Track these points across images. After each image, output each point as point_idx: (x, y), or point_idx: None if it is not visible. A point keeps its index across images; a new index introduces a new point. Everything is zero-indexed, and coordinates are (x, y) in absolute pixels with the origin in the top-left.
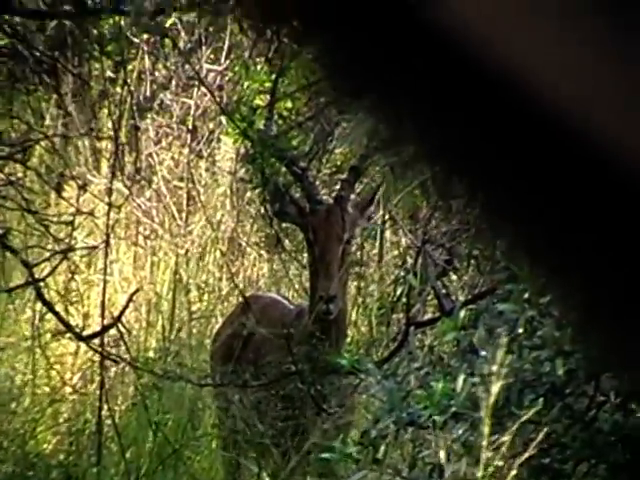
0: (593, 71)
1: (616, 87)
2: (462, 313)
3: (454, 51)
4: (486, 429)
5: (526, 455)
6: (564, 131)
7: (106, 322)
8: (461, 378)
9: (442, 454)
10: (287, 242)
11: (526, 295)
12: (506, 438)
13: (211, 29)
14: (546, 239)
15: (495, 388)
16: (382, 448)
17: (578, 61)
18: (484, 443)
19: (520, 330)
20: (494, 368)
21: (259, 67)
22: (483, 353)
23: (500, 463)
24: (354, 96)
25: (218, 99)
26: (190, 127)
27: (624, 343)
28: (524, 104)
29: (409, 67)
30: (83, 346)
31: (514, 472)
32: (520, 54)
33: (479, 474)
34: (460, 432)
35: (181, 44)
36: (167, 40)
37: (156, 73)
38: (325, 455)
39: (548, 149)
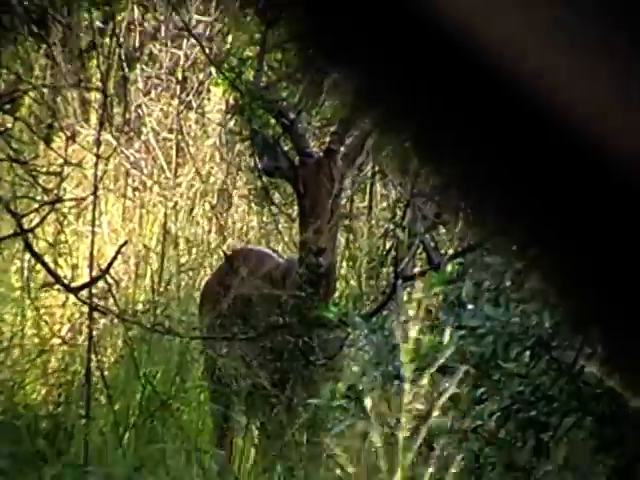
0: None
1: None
2: (450, 266)
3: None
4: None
5: (509, 405)
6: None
7: (95, 274)
8: (448, 331)
9: (429, 407)
10: (277, 195)
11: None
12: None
13: None
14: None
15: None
16: (369, 400)
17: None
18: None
19: (507, 283)
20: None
21: (249, 18)
22: (470, 306)
23: (485, 416)
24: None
25: (207, 50)
26: (179, 78)
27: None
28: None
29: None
30: (72, 298)
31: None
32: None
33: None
34: (447, 385)
35: None
36: None
37: (145, 24)
38: (313, 400)
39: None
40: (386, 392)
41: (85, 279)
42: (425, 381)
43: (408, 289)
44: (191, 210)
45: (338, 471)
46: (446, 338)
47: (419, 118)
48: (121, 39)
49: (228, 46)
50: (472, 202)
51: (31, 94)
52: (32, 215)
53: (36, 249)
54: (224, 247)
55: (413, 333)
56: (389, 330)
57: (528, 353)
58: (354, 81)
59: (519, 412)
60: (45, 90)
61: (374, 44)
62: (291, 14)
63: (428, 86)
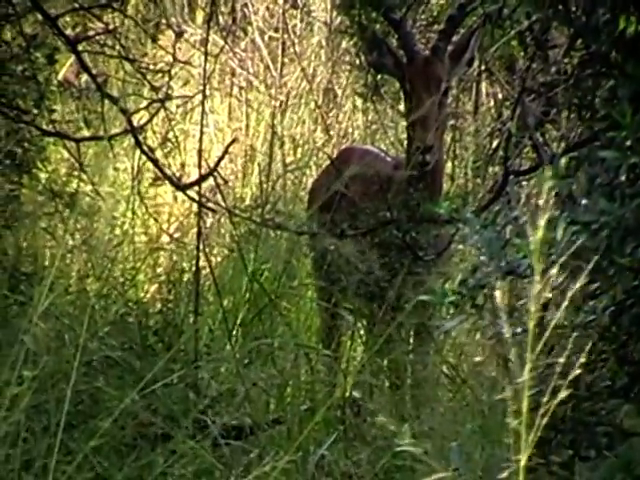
0: None
1: None
2: (562, 161)
3: None
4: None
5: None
6: None
7: (203, 172)
8: (561, 227)
9: (541, 302)
10: (383, 92)
11: (628, 142)
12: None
13: None
14: None
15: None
16: (480, 296)
17: None
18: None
19: (622, 178)
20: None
21: None
22: (584, 201)
23: (598, 309)
24: None
25: None
26: None
27: None
28: None
29: None
30: (180, 196)
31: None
32: None
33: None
34: (560, 280)
35: None
36: None
37: None
38: (424, 297)
39: None
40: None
41: (193, 177)
42: (554, 271)
43: (516, 188)
44: (297, 109)
45: (445, 369)
46: (559, 233)
47: None
48: None
49: None
50: None
51: None
52: (141, 113)
53: (145, 147)
54: (330, 146)
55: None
56: (500, 226)
57: None
58: None
59: (633, 307)
60: None
61: None
62: None
63: None
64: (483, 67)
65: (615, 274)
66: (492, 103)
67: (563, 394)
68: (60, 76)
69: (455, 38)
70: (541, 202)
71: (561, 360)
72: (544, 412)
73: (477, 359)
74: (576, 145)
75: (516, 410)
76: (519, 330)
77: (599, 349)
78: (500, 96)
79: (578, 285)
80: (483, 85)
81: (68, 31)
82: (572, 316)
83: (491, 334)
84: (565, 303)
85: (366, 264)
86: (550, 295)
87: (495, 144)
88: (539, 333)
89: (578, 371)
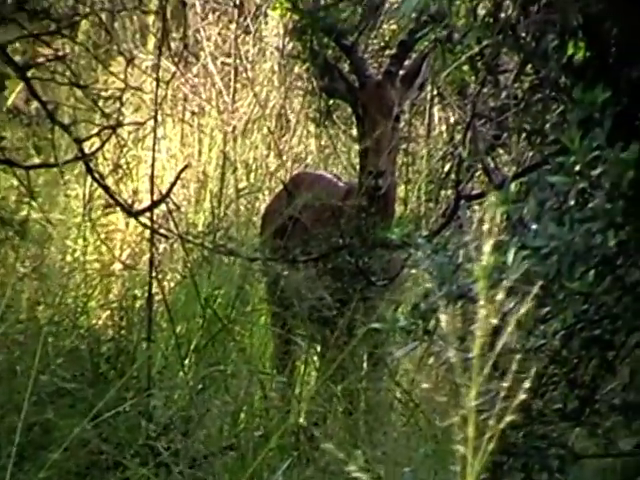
0: None
1: None
2: (512, 186)
3: None
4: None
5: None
6: None
7: (155, 198)
8: (512, 251)
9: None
10: (335, 117)
11: (577, 167)
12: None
13: None
14: None
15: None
16: (432, 321)
17: None
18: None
19: (571, 202)
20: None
21: None
22: (534, 226)
23: (549, 334)
24: None
25: None
26: (237, 2)
27: None
28: None
29: None
30: (133, 222)
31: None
32: None
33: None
34: (511, 305)
35: None
36: None
37: None
38: (376, 325)
39: None
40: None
41: (145, 204)
42: (501, 296)
43: (468, 212)
44: (249, 134)
45: (398, 394)
46: (510, 258)
47: None
48: None
49: None
50: None
51: (89, 18)
52: (92, 140)
53: (96, 174)
54: (282, 171)
55: (479, 252)
56: (452, 250)
57: (592, 272)
58: None
59: (583, 331)
60: (103, 15)
61: None
62: None
63: None
64: (435, 91)
65: (565, 298)
66: (444, 127)
67: (509, 418)
68: (9, 103)
69: (407, 63)
70: (492, 227)
71: (506, 385)
72: (490, 436)
73: (428, 385)
74: (526, 170)
75: (464, 436)
76: (470, 355)
77: (550, 373)
78: (452, 120)
79: (524, 310)
80: (435, 109)
81: (17, 58)
82: (523, 340)
83: (442, 360)
84: (510, 327)
85: (319, 290)
86: (495, 320)
87: (447, 168)
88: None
89: (523, 396)
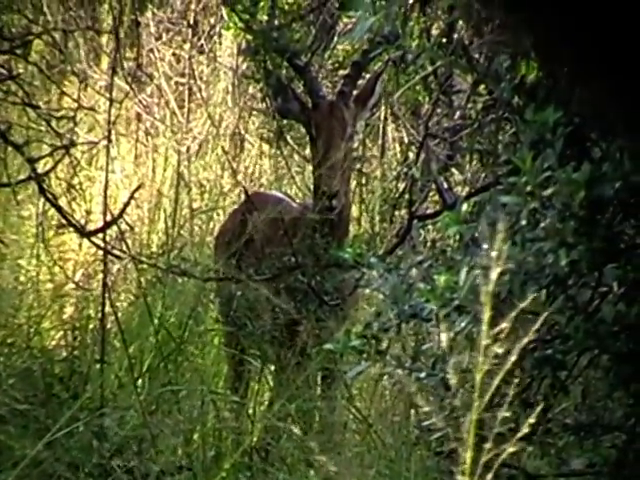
0: None
1: None
2: (464, 206)
3: None
4: (486, 319)
5: (525, 344)
6: None
7: (108, 219)
8: (464, 271)
9: (445, 346)
10: (289, 138)
11: (528, 188)
12: (506, 325)
13: None
14: None
15: (495, 278)
16: (385, 341)
17: None
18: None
19: (523, 222)
20: (495, 260)
21: None
22: (485, 246)
23: (500, 351)
24: None
25: None
26: (191, 22)
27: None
28: None
29: None
30: (86, 243)
31: (513, 359)
32: None
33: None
34: (463, 325)
35: None
36: None
37: None
38: (328, 346)
39: None
40: (401, 332)
41: (99, 224)
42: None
43: (421, 231)
44: (203, 154)
45: (351, 416)
46: (462, 278)
47: None
48: None
49: None
50: None
51: (43, 38)
52: (45, 159)
53: (49, 194)
54: (236, 191)
55: (429, 273)
56: (404, 270)
57: (544, 292)
58: None
59: (535, 351)
60: (57, 34)
61: None
62: None
63: None
64: (389, 111)
65: (517, 318)
66: (398, 147)
67: (454, 438)
68: None
69: (360, 83)
70: (444, 246)
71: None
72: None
73: (382, 405)
74: (478, 190)
75: (421, 455)
76: (422, 375)
77: (502, 392)
78: (406, 140)
79: (475, 329)
80: (389, 129)
81: None
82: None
83: (395, 379)
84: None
85: (271, 310)
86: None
87: (401, 188)
88: (443, 377)
89: (475, 416)
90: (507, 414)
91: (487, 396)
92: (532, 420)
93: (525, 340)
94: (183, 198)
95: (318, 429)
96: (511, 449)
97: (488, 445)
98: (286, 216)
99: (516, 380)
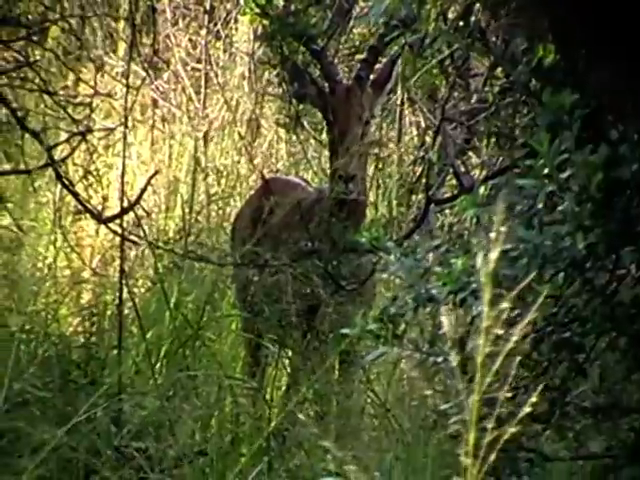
0: None
1: None
2: (481, 189)
3: None
4: (486, 300)
5: (542, 327)
6: None
7: (125, 205)
8: (480, 255)
9: (461, 330)
10: (305, 123)
11: (545, 171)
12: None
13: None
14: None
15: (495, 258)
16: (401, 325)
17: None
18: (485, 315)
19: (540, 205)
20: (493, 241)
21: None
22: (503, 229)
23: (515, 337)
24: None
25: None
26: (207, 8)
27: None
28: None
29: None
30: (103, 229)
31: (528, 341)
32: None
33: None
34: (480, 308)
35: None
36: None
37: None
38: (345, 331)
39: None
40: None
41: (115, 210)
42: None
43: (439, 216)
44: (220, 140)
45: (369, 400)
46: (478, 261)
47: None
48: None
49: None
50: None
51: (59, 25)
52: (62, 146)
53: (66, 181)
54: (253, 177)
55: (446, 257)
56: (421, 254)
57: (561, 275)
58: None
59: (553, 334)
60: (73, 21)
61: None
62: None
63: None
64: (405, 96)
65: (534, 301)
66: (415, 132)
67: (487, 424)
68: None
69: (377, 67)
70: (461, 230)
71: (480, 387)
72: (466, 440)
73: (400, 389)
74: (495, 173)
75: (438, 439)
76: (440, 359)
77: (520, 375)
78: (423, 124)
79: (493, 313)
80: (406, 113)
81: None
82: (493, 344)
83: (414, 363)
84: (482, 331)
85: (289, 295)
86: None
87: (418, 172)
88: (462, 362)
89: (477, 397)
90: (529, 398)
91: (505, 380)
92: (534, 399)
93: (544, 326)
94: (200, 184)
95: (336, 414)
96: (513, 429)
97: (509, 428)
98: (303, 201)
99: (533, 364)
